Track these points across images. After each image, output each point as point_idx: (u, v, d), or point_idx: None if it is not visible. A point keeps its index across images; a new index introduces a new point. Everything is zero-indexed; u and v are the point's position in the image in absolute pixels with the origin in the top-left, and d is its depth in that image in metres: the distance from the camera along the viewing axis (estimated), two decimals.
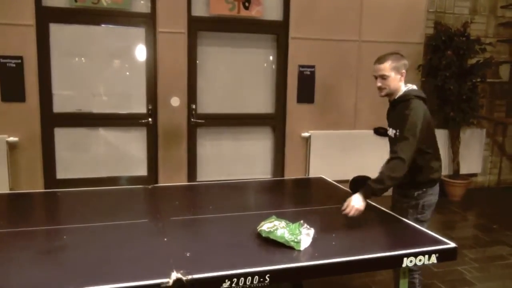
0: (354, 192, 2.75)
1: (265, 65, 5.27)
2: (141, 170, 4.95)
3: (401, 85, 2.63)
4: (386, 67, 2.58)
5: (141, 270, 1.86)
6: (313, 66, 5.18)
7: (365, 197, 2.43)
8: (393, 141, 2.66)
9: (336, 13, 5.19)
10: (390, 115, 2.76)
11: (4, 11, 4.25)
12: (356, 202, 2.42)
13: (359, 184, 2.78)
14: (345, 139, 5.35)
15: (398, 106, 2.62)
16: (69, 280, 1.77)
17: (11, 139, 4.37)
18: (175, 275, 1.78)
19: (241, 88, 5.20)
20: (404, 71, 2.61)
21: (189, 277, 1.78)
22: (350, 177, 4.63)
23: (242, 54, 5.17)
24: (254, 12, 4.97)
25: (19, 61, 4.33)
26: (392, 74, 2.58)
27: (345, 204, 2.43)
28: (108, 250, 2.08)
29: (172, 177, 4.87)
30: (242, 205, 2.94)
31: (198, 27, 4.88)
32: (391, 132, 2.69)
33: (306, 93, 5.19)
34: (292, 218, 2.24)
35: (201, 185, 3.99)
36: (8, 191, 4.21)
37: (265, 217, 2.28)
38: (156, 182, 4.85)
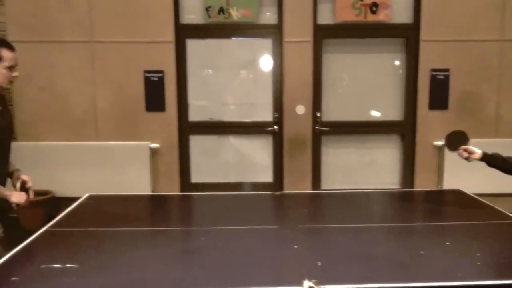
0: (449, 145, 3.22)
1: (392, 70, 5.06)
2: (267, 177, 5.09)
3: None
4: None
5: (273, 275, 1.90)
6: (447, 70, 4.82)
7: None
8: None
9: (474, 10, 4.77)
10: None
11: (148, 30, 4.73)
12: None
13: (455, 138, 3.22)
14: (485, 148, 4.81)
15: None
16: (207, 280, 1.87)
17: (153, 145, 4.82)
18: (307, 283, 1.77)
19: (367, 95, 5.06)
20: None
21: (322, 287, 1.76)
22: (490, 191, 4.32)
23: (367, 60, 5.03)
24: (381, 16, 4.81)
25: (161, 75, 4.77)
26: None
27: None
28: (241, 253, 2.16)
29: (297, 184, 4.92)
30: (369, 216, 2.84)
31: (324, 35, 4.88)
32: None
33: (439, 99, 4.85)
34: (426, 234, 2.09)
35: (327, 193, 3.96)
36: (150, 193, 4.66)
37: (396, 230, 2.17)
38: (281, 188, 4.94)
